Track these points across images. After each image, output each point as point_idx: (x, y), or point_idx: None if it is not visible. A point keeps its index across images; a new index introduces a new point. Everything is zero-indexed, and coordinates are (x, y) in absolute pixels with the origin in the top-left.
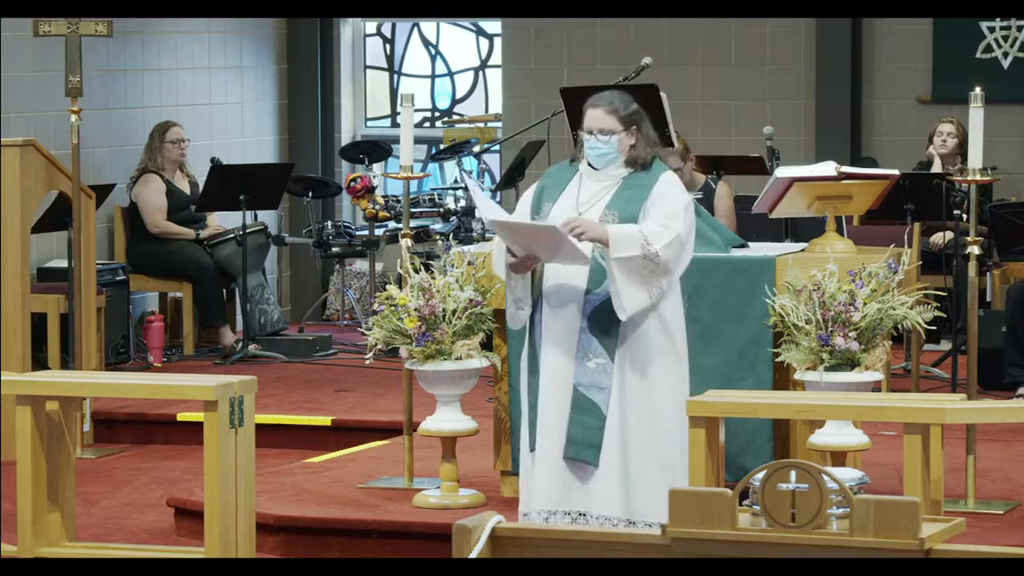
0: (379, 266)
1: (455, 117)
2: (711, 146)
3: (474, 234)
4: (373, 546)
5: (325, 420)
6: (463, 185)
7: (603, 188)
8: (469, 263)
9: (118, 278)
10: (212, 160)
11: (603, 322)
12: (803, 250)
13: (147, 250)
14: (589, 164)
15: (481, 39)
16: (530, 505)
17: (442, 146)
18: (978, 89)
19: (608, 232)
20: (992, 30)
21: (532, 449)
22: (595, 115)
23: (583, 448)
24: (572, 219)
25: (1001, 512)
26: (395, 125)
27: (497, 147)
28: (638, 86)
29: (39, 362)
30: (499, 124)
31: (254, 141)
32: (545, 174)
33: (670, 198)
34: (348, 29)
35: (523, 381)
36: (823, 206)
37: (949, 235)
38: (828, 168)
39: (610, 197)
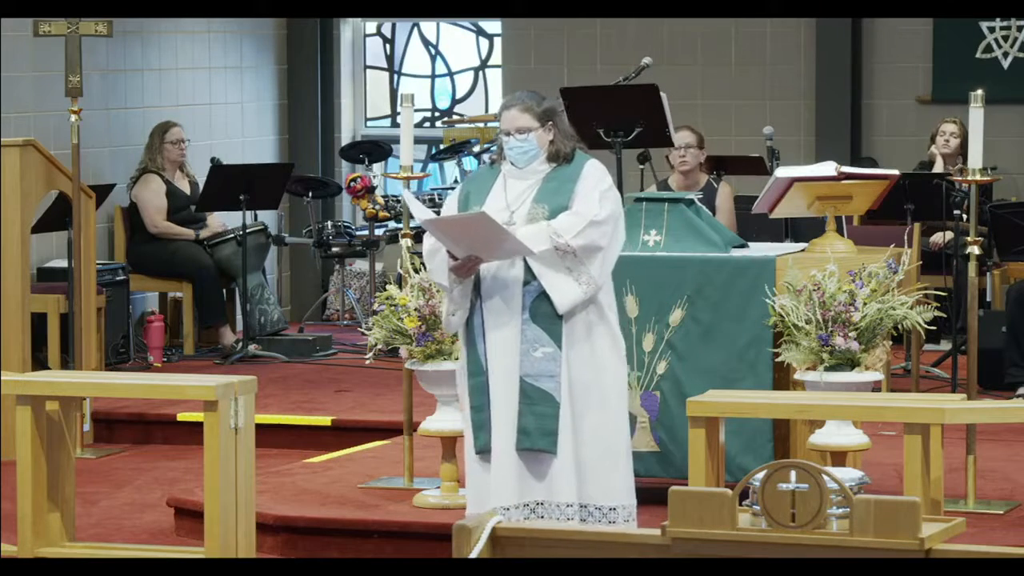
0: (379, 266)
1: (455, 117)
2: (711, 146)
3: None
4: (373, 546)
5: (325, 420)
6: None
7: (529, 186)
8: None
9: (118, 278)
10: (212, 160)
11: (545, 311)
12: (803, 250)
13: (147, 250)
14: (512, 164)
15: (481, 39)
16: (487, 505)
17: (442, 146)
18: (978, 89)
19: (519, 233)
20: (992, 30)
21: (478, 451)
22: (510, 115)
23: (538, 437)
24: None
25: (1001, 512)
26: (395, 125)
27: None
28: (638, 86)
29: (39, 362)
30: (499, 124)
31: (254, 141)
32: (467, 179)
33: (588, 185)
34: (348, 29)
35: (464, 385)
36: (823, 206)
37: (949, 235)
38: (828, 168)
39: (535, 192)
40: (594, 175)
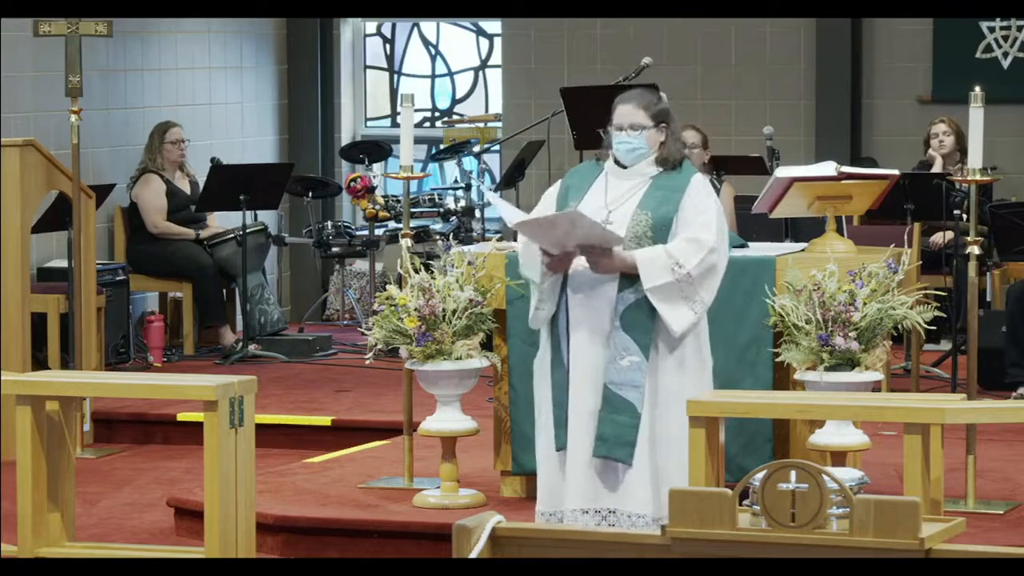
0: (379, 266)
1: (455, 117)
2: (711, 146)
3: (474, 234)
4: (373, 546)
5: (325, 420)
6: (463, 185)
7: (632, 187)
8: (469, 263)
9: (118, 278)
10: (212, 160)
11: (637, 320)
12: (803, 250)
13: (147, 250)
14: (617, 162)
15: (481, 39)
16: (563, 504)
17: (442, 146)
18: (978, 89)
19: (636, 259)
20: (992, 30)
21: (558, 448)
22: (625, 110)
23: (615, 446)
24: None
25: (1001, 512)
26: (395, 125)
27: (497, 147)
28: (638, 86)
29: (39, 362)
30: (499, 124)
31: (254, 141)
32: (568, 173)
33: (702, 205)
34: (348, 29)
35: (545, 379)
36: (823, 206)
37: (949, 235)
38: (828, 168)
39: (640, 196)
40: (703, 191)
